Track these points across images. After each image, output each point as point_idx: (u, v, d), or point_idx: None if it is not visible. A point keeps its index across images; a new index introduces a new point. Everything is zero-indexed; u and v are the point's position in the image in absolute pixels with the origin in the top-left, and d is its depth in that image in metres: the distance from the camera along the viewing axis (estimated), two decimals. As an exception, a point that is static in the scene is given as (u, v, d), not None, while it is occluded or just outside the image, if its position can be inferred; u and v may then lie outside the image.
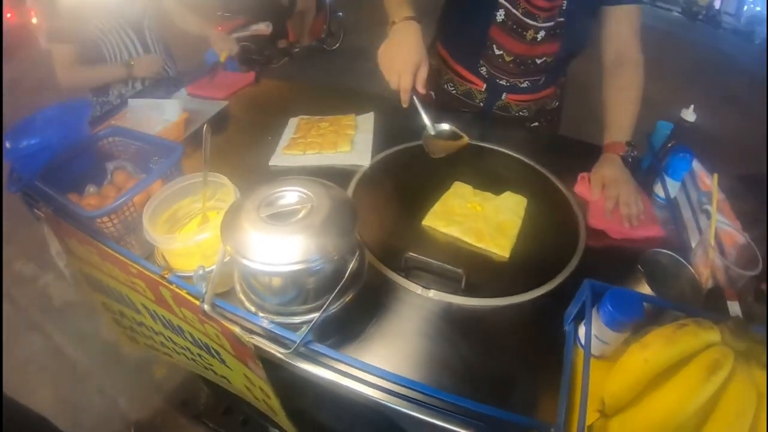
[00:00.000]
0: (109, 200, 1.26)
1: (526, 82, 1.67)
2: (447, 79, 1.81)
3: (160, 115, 1.69)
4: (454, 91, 1.81)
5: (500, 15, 1.52)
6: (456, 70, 1.77)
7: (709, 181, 1.44)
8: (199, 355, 1.31)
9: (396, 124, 1.65)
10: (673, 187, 1.39)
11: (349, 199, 0.96)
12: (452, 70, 1.78)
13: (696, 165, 1.49)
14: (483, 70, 1.69)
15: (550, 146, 1.66)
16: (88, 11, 2.00)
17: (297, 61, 5.97)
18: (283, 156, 1.56)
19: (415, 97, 1.34)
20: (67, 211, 1.23)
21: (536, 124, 1.84)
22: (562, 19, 1.50)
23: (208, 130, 1.08)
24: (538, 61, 1.60)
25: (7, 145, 1.33)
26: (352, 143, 1.59)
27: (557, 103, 1.87)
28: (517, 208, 1.33)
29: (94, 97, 2.23)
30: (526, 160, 1.57)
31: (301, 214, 0.89)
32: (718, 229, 1.14)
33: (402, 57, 1.31)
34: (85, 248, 1.23)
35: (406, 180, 1.46)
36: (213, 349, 1.17)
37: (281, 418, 1.22)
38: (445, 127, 1.45)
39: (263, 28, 5.33)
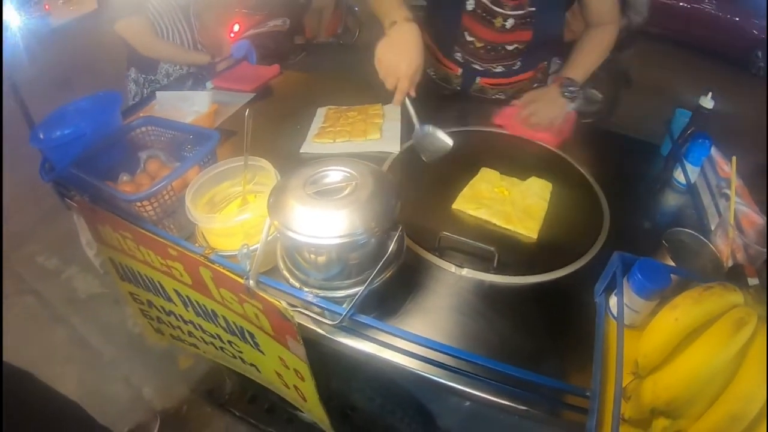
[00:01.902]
0: (144, 188, 1.28)
1: (500, 67, 1.75)
2: (430, 65, 1.88)
3: (190, 107, 1.73)
4: (433, 75, 1.90)
5: (470, 4, 1.60)
6: (435, 56, 1.85)
7: (727, 168, 1.47)
8: (230, 342, 1.34)
9: (423, 114, 1.68)
10: (692, 172, 1.42)
11: (391, 178, 1.00)
12: (433, 56, 1.86)
13: (714, 152, 1.53)
14: (458, 56, 1.77)
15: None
16: None
17: (314, 56, 6.00)
18: (313, 144, 1.60)
19: (408, 100, 1.35)
20: (105, 196, 1.27)
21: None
22: (532, 9, 1.56)
23: (250, 115, 1.12)
24: (509, 48, 1.67)
25: (40, 135, 1.36)
26: (381, 131, 1.63)
27: (537, 86, 1.90)
28: (543, 192, 1.37)
29: (142, 74, 2.24)
30: (547, 146, 1.62)
31: (346, 191, 0.93)
32: (737, 210, 1.17)
33: (405, 61, 1.31)
34: (120, 234, 1.26)
35: (435, 166, 1.48)
36: (248, 332, 1.20)
37: (312, 403, 1.25)
38: (432, 129, 1.40)
39: (280, 24, 5.37)
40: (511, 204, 1.32)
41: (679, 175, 1.45)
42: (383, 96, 1.81)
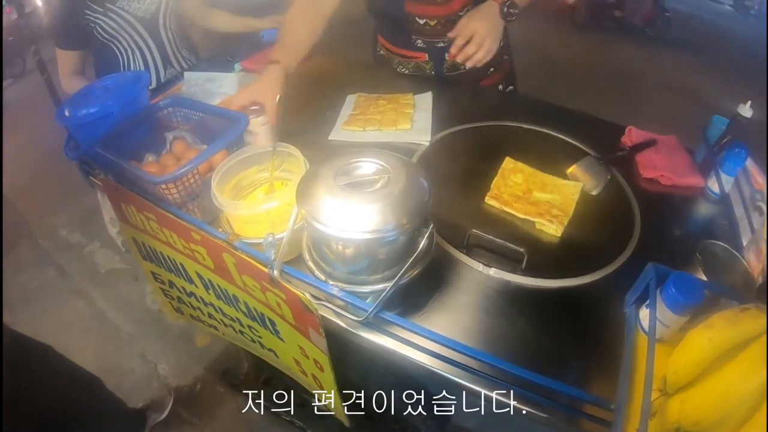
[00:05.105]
0: (169, 169, 1.27)
1: None
2: (397, 62, 1.94)
3: (218, 89, 1.72)
4: (406, 72, 1.93)
5: None
6: (399, 53, 1.90)
7: (762, 180, 1.43)
8: (250, 327, 1.34)
9: (455, 106, 1.66)
10: (726, 182, 1.39)
11: (423, 174, 0.98)
12: (397, 54, 1.91)
13: (749, 162, 1.49)
14: (419, 43, 1.81)
15: (596, 128, 1.69)
16: (89, 16, 1.94)
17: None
18: (342, 131, 1.58)
19: None
20: (129, 176, 1.26)
21: (492, 69, 1.91)
22: None
23: (281, 100, 1.11)
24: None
25: (66, 112, 1.35)
26: (412, 121, 1.60)
27: (507, 57, 1.98)
28: (573, 192, 1.35)
29: None
30: (576, 143, 1.58)
31: (378, 184, 0.92)
32: (770, 225, 1.14)
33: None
34: (144, 215, 1.26)
35: (467, 159, 1.47)
36: (268, 319, 1.19)
37: (329, 393, 1.24)
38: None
39: None
40: (541, 201, 1.31)
41: (713, 184, 1.41)
42: (414, 86, 1.80)
